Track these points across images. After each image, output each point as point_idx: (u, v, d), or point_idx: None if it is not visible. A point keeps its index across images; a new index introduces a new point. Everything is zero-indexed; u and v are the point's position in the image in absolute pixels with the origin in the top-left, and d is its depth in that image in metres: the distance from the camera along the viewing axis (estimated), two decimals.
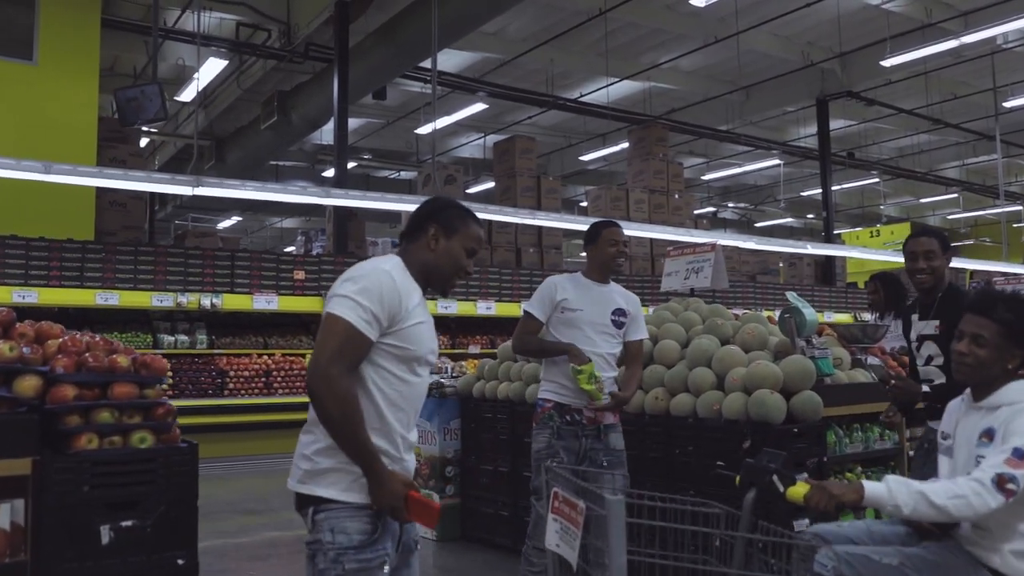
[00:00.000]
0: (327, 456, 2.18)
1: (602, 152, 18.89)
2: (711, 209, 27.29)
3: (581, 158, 20.28)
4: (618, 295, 4.08)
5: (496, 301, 11.77)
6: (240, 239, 19.16)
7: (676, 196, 14.69)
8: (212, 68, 13.04)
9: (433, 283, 2.42)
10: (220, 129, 17.61)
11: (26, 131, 9.55)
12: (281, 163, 20.43)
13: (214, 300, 9.70)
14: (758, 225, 29.72)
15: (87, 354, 2.75)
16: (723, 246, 14.85)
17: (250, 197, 11.53)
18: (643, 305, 4.32)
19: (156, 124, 18.67)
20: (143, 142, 18.62)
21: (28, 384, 2.65)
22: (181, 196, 19.04)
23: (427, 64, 14.78)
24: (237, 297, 9.94)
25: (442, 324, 11.91)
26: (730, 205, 27.86)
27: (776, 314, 4.66)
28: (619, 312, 4.03)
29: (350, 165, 19.77)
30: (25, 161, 7.33)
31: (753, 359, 4.31)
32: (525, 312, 4.09)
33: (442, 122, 16.51)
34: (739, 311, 5.72)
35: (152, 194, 19.16)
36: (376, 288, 2.18)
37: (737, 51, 13.39)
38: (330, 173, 20.29)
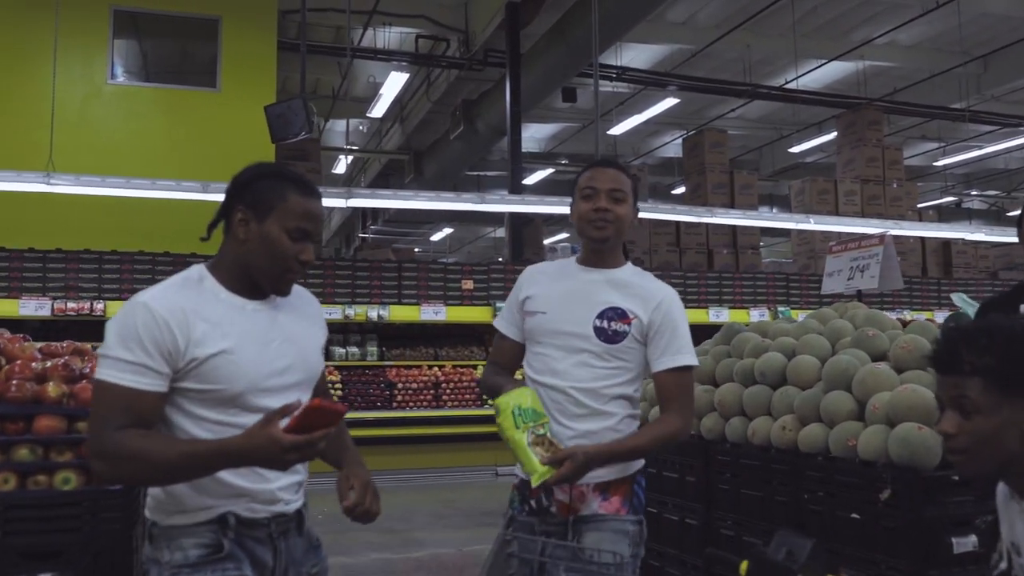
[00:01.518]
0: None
1: (814, 142, 17.28)
2: (951, 199, 24.29)
3: (791, 150, 18.70)
4: (613, 286, 2.35)
5: None
6: (415, 250, 19.47)
7: (895, 185, 13.01)
8: (396, 82, 13.19)
9: (262, 284, 1.88)
10: (417, 142, 17.95)
11: (211, 155, 9.98)
12: (483, 173, 20.59)
13: (381, 312, 9.65)
14: (1012, 214, 26.15)
15: (13, 381, 2.45)
16: (957, 240, 13.03)
17: (404, 207, 11.46)
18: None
19: (357, 141, 19.45)
20: (346, 160, 19.47)
21: None
22: (387, 210, 19.69)
23: (613, 61, 14.23)
24: (404, 308, 9.85)
25: None
26: (974, 193, 24.66)
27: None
28: (611, 314, 2.30)
29: (547, 172, 19.58)
30: (185, 182, 7.57)
31: (904, 382, 3.33)
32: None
33: (634, 121, 15.82)
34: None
35: (363, 210, 20.04)
36: (130, 328, 1.73)
37: (960, 18, 11.60)
38: (531, 180, 20.28)
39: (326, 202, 9.00)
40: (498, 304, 10.02)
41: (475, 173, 20.00)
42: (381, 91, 13.46)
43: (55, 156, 7.70)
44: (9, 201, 8.29)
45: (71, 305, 8.59)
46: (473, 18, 12.92)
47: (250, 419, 1.72)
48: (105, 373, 1.71)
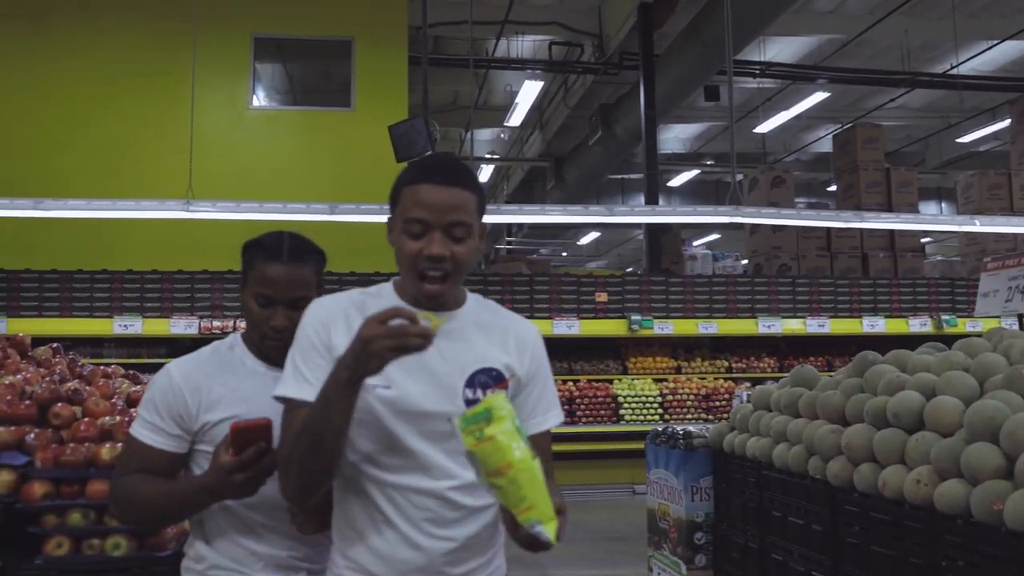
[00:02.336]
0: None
1: (986, 130, 15.84)
2: None
3: (959, 140, 17.24)
4: (481, 332, 1.70)
5: (831, 317, 10.17)
6: (552, 262, 19.24)
7: None
8: (531, 91, 13.09)
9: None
10: (557, 148, 17.81)
11: (346, 172, 10.22)
12: (627, 176, 20.19)
13: None
14: None
15: (70, 445, 2.44)
16: None
17: (530, 221, 11.28)
18: None
19: (499, 150, 19.53)
20: (489, 170, 19.59)
21: (1, 480, 2.40)
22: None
23: (756, 57, 13.56)
24: (537, 323, 9.68)
25: (770, 344, 10.62)
26: None
27: None
28: (484, 379, 1.65)
29: (693, 173, 18.98)
30: (314, 204, 7.73)
31: None
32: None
33: (782, 117, 15.03)
34: None
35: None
36: (153, 391, 1.87)
37: None
38: (676, 182, 19.74)
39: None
40: (633, 316, 9.71)
41: (619, 176, 19.66)
42: (516, 100, 13.40)
43: (194, 182, 8.04)
44: (155, 225, 8.73)
45: (216, 323, 8.98)
46: (606, 21, 12.63)
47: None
48: (133, 426, 1.86)
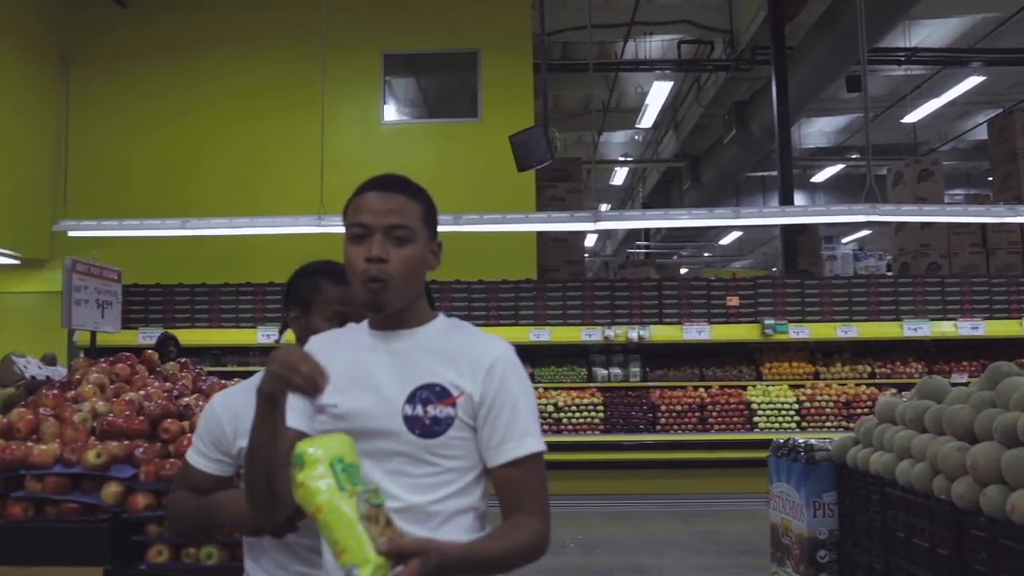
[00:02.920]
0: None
1: None
2: None
3: None
4: (423, 352, 1.64)
5: (986, 319, 9.47)
6: (679, 267, 18.75)
7: None
8: (660, 92, 12.90)
9: None
10: (693, 148, 17.45)
11: (472, 183, 10.39)
12: (767, 173, 19.53)
13: (641, 332, 9.42)
14: None
15: (169, 461, 2.60)
16: None
17: (653, 226, 11.04)
18: None
19: (634, 151, 19.32)
20: (623, 172, 19.41)
21: (110, 492, 2.58)
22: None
23: (901, 43, 12.82)
24: (665, 328, 9.54)
25: (918, 347, 10.00)
26: None
27: None
28: (425, 395, 1.59)
29: (837, 168, 18.13)
30: (440, 215, 7.89)
31: None
32: None
33: (933, 105, 14.13)
34: None
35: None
36: (200, 419, 1.99)
37: None
38: (819, 178, 18.92)
39: (577, 227, 9.00)
40: (766, 321, 9.38)
41: (759, 174, 19.06)
42: (647, 101, 13.23)
43: (326, 197, 8.38)
44: (290, 239, 9.12)
45: None
46: (737, 16, 12.28)
47: None
48: (188, 449, 2.00)
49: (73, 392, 3.20)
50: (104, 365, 3.57)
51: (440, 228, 6.69)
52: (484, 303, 9.58)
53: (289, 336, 2.09)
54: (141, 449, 2.67)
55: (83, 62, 10.96)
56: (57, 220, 8.77)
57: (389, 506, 1.47)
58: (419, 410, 1.56)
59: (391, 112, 11.31)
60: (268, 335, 9.41)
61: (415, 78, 12.05)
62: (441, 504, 1.55)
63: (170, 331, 8.41)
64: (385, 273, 1.58)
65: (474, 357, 1.61)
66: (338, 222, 8.28)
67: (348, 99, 10.76)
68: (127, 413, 2.90)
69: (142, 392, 3.24)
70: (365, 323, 1.70)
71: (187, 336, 9.17)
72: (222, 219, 8.24)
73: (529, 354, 9.89)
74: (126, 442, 2.71)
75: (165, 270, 9.90)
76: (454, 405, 1.57)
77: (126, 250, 9.63)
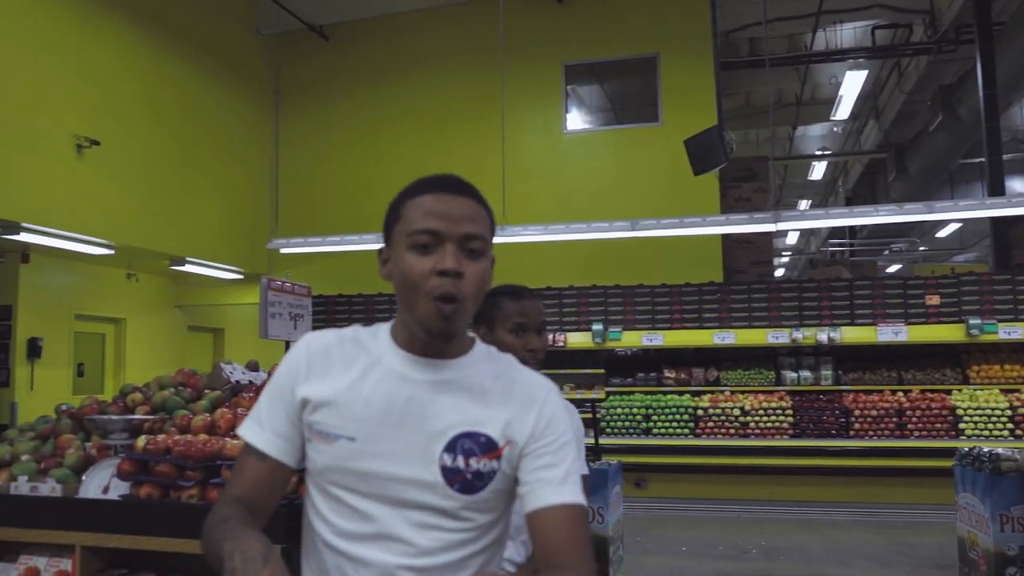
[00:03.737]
0: None
1: None
2: None
3: None
4: (463, 390, 1.39)
5: None
6: (881, 265, 17.50)
7: None
8: (854, 81, 12.33)
9: None
10: (897, 137, 16.46)
11: (660, 187, 10.45)
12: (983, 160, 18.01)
13: (832, 334, 9.10)
14: None
15: None
16: None
17: (837, 224, 10.49)
18: None
19: (833, 144, 18.46)
20: (822, 167, 18.60)
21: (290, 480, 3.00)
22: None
23: None
24: (858, 329, 9.16)
25: None
26: None
27: None
28: (468, 444, 1.35)
29: None
30: (616, 222, 8.08)
31: None
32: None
33: None
34: None
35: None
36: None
37: None
38: None
39: (757, 228, 8.84)
40: (971, 320, 8.78)
41: (973, 160, 17.63)
42: (840, 92, 12.69)
43: (508, 208, 8.78)
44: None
45: None
46: None
47: None
48: None
49: None
50: None
51: (617, 235, 6.96)
52: (667, 306, 9.63)
53: None
54: None
55: (291, 93, 12.10)
56: (271, 239, 9.76)
57: (402, 562, 1.33)
58: (460, 462, 1.33)
59: (574, 121, 11.59)
60: None
61: (599, 85, 12.26)
62: (472, 560, 1.36)
63: None
64: (460, 291, 1.32)
65: (526, 394, 1.41)
66: (520, 232, 8.67)
67: (529, 111, 11.15)
68: None
69: None
70: (385, 336, 1.42)
71: None
72: None
73: (713, 357, 9.82)
74: None
75: (369, 281, 10.72)
76: (500, 458, 1.36)
77: (332, 263, 10.54)
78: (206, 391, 3.96)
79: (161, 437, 3.25)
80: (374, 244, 8.95)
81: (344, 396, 1.35)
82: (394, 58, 11.72)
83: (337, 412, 1.35)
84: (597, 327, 9.63)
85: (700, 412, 9.25)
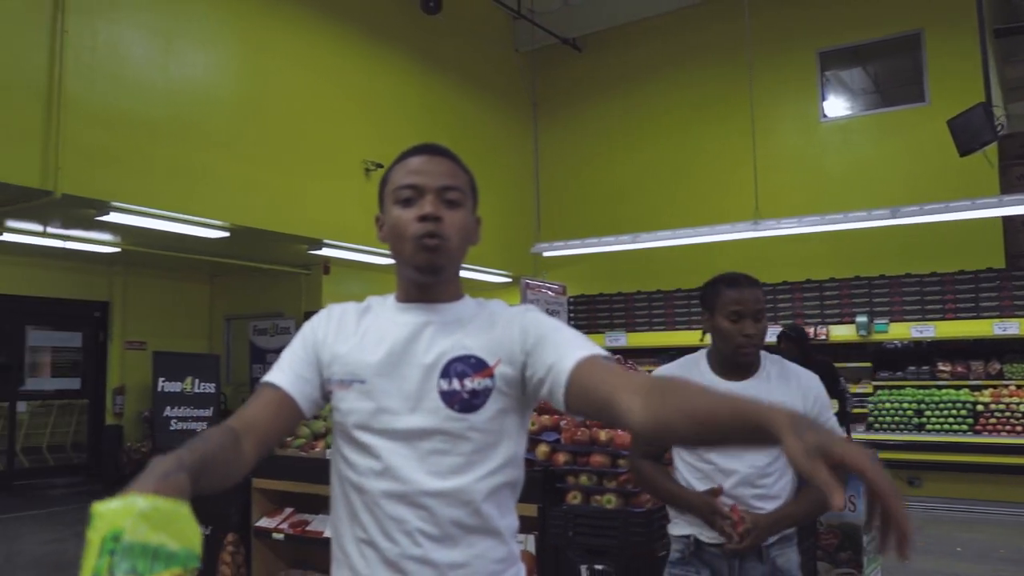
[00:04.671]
0: None
1: None
2: None
3: None
4: (456, 326, 1.53)
5: None
6: None
7: None
8: None
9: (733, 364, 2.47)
10: None
11: (928, 169, 9.88)
12: None
13: None
14: None
15: (580, 430, 3.31)
16: None
17: None
18: None
19: None
20: None
21: (542, 450, 3.40)
22: None
23: None
24: None
25: None
26: None
27: None
28: (460, 367, 1.48)
29: None
30: (875, 211, 7.85)
31: None
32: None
33: None
34: None
35: None
36: None
37: None
38: None
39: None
40: None
41: None
42: None
43: (761, 201, 8.77)
44: (730, 244, 9.58)
45: None
46: None
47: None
48: None
49: None
50: None
51: (876, 224, 6.91)
52: (939, 296, 9.12)
53: (707, 339, 2.54)
54: (564, 421, 3.49)
55: (548, 104, 12.80)
56: (534, 243, 10.46)
57: (429, 492, 1.43)
58: (455, 384, 1.46)
59: (833, 108, 11.24)
60: None
61: (862, 67, 11.77)
62: (480, 483, 1.45)
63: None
64: (441, 232, 1.49)
65: (503, 323, 1.52)
66: (774, 226, 8.65)
67: (782, 103, 10.96)
68: None
69: None
70: (391, 297, 1.60)
71: (646, 339, 10.24)
72: (666, 231, 9.11)
73: (995, 349, 9.14)
74: (555, 416, 3.55)
75: (628, 281, 11.13)
76: (492, 376, 1.47)
77: (591, 264, 11.05)
78: None
79: None
80: (630, 244, 9.33)
81: (354, 348, 1.52)
82: (644, 62, 12.03)
83: (350, 361, 1.51)
84: (861, 319, 9.33)
85: (980, 407, 8.67)
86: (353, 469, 1.48)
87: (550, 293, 5.84)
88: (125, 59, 7.60)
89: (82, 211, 7.58)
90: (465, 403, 1.45)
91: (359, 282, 11.41)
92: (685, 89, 11.66)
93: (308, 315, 8.43)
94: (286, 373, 1.52)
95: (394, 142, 9.99)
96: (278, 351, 1.65)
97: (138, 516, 0.98)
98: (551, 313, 5.78)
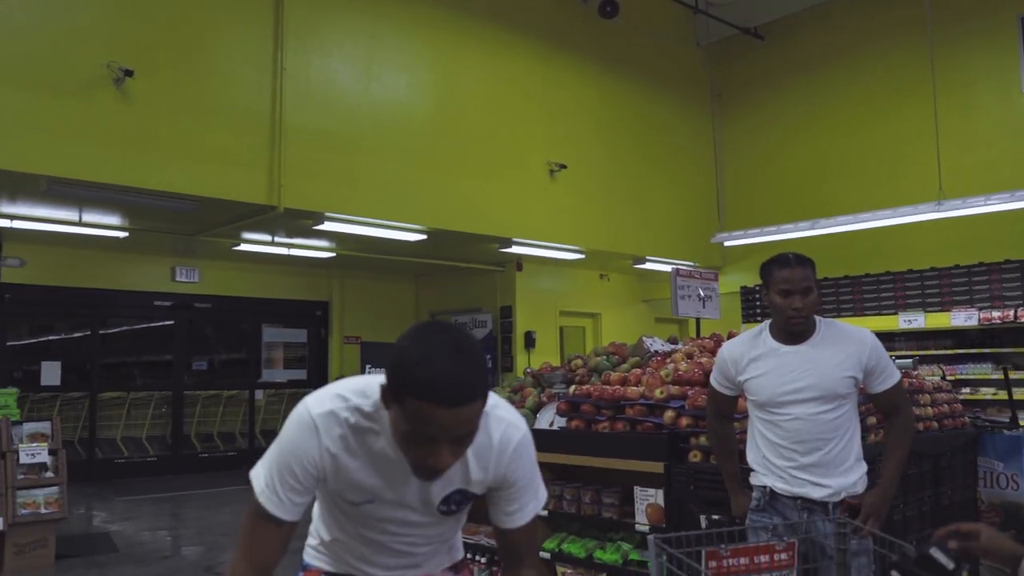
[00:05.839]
0: None
1: None
2: None
3: None
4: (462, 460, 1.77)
5: None
6: None
7: None
8: None
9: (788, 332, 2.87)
10: None
11: None
12: None
13: None
14: None
15: (702, 397, 3.65)
16: None
17: None
18: None
19: None
20: None
21: (668, 415, 3.79)
22: None
23: None
24: None
25: None
26: None
27: None
28: (459, 496, 1.84)
29: None
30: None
31: None
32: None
33: None
34: None
35: None
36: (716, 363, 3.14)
37: None
38: None
39: None
40: None
41: None
42: None
43: (944, 182, 8.49)
44: (911, 226, 9.28)
45: (996, 313, 9.11)
46: None
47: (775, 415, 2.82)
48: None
49: (670, 357, 4.59)
50: (699, 341, 4.91)
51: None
52: None
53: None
54: (691, 390, 3.86)
55: (730, 95, 12.87)
56: (715, 233, 10.66)
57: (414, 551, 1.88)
58: (452, 506, 1.81)
59: None
60: (909, 320, 9.77)
61: None
62: (448, 540, 1.95)
63: None
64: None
65: (498, 450, 1.76)
66: (960, 205, 8.38)
67: (973, 76, 10.42)
68: (694, 370, 4.13)
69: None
70: (387, 432, 1.68)
71: None
72: (846, 216, 9.03)
73: None
74: (683, 387, 3.93)
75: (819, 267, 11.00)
76: (475, 495, 1.83)
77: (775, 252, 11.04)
78: (630, 357, 4.99)
79: (585, 387, 4.36)
80: (810, 231, 9.33)
81: (359, 470, 1.71)
82: (825, 47, 11.82)
83: (355, 482, 1.73)
84: None
85: None
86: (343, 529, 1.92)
87: (701, 280, 6.15)
88: (333, 87, 8.69)
89: (301, 222, 8.74)
90: (451, 512, 1.83)
91: (550, 278, 12.09)
92: (868, 73, 11.36)
93: (503, 310, 9.50)
94: (284, 502, 1.71)
95: (577, 143, 10.66)
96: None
97: None
98: (703, 299, 6.12)
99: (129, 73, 7.19)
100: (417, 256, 11.03)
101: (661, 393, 3.88)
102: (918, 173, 10.13)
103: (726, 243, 10.36)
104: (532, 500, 1.85)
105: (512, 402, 4.91)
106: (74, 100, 7.03)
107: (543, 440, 4.34)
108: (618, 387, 4.19)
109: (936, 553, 1.72)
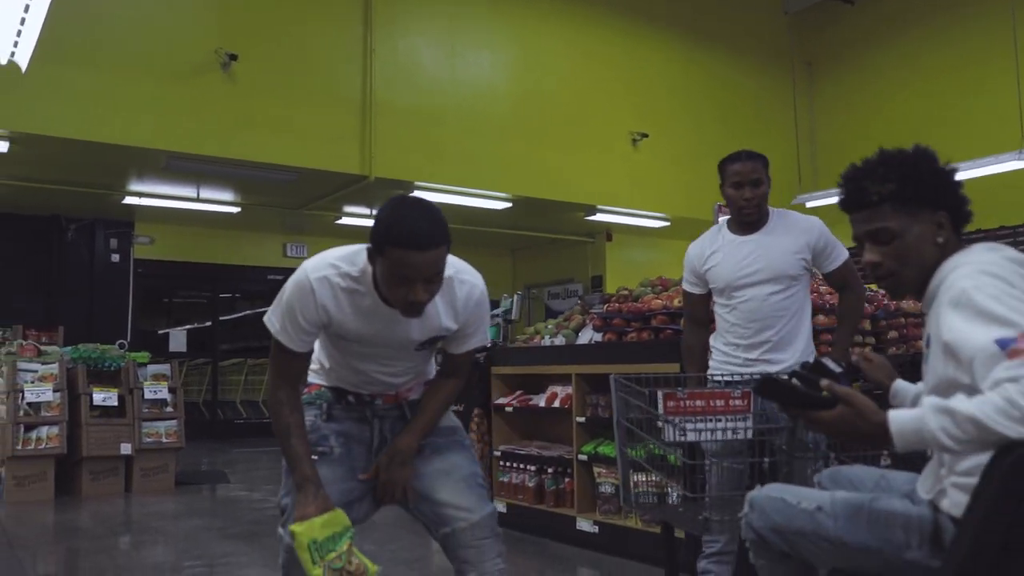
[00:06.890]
0: None
1: None
2: None
3: None
4: (432, 311, 2.22)
5: None
6: None
7: None
8: None
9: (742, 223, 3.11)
10: None
11: None
12: None
13: None
14: None
15: None
16: None
17: None
18: None
19: None
20: None
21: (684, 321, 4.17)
22: None
23: None
24: None
25: None
26: None
27: None
28: (431, 340, 2.35)
29: None
30: None
31: None
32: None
33: None
34: None
35: None
36: None
37: None
38: None
39: None
40: None
41: None
42: None
43: None
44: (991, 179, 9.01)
45: None
46: None
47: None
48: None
49: None
50: None
51: None
52: None
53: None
54: None
55: (821, 62, 12.75)
56: (795, 196, 10.67)
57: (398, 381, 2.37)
58: (426, 346, 2.30)
59: None
60: None
61: None
62: (421, 372, 2.44)
63: None
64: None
65: (463, 302, 2.23)
66: None
67: None
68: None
69: None
70: (369, 284, 2.13)
71: None
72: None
73: None
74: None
75: None
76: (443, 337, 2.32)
77: None
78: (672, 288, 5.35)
79: (616, 304, 4.76)
80: None
81: (351, 321, 2.16)
82: (916, 10, 11.59)
83: (349, 329, 2.19)
84: None
85: None
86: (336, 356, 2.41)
87: None
88: (419, 64, 9.32)
89: (392, 192, 9.40)
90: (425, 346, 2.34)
91: (640, 248, 12.37)
92: (958, 41, 10.98)
93: (594, 279, 10.06)
94: (296, 339, 2.22)
95: (658, 113, 10.92)
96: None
97: (317, 527, 2.05)
98: None
99: (234, 57, 8.01)
100: (506, 228, 11.52)
101: (679, 302, 4.23)
102: (1000, 122, 9.82)
103: (807, 204, 10.35)
104: (477, 337, 2.37)
105: (559, 327, 5.35)
106: (187, 83, 7.90)
107: (580, 354, 4.80)
108: (647, 300, 4.57)
109: (827, 360, 2.07)
